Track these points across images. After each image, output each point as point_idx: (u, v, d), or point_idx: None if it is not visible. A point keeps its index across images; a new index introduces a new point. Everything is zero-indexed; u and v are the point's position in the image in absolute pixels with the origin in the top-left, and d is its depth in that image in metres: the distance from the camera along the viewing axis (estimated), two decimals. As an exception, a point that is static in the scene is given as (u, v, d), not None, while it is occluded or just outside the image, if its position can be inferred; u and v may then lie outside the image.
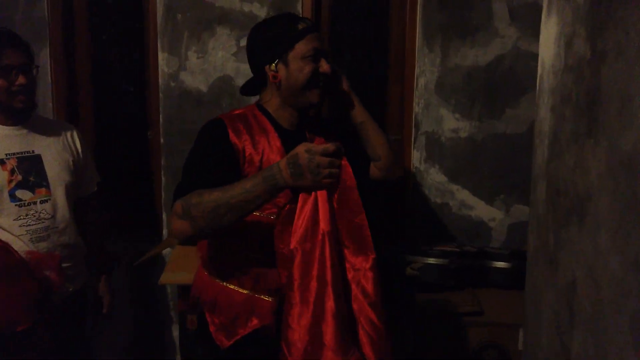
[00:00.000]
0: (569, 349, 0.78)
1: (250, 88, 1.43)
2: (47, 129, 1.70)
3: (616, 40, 0.66)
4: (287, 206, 1.19)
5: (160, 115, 2.50)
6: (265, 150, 1.28)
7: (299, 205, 1.15)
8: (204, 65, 2.46)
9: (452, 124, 2.41)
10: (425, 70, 2.39)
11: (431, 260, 2.13)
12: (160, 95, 2.49)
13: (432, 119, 2.42)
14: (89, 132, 2.63)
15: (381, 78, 2.55)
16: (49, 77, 2.48)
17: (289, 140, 1.30)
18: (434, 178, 2.46)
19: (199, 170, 1.22)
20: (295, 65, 1.27)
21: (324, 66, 1.28)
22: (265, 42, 1.29)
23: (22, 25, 2.42)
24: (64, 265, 1.65)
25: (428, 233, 2.49)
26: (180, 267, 2.15)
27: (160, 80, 2.48)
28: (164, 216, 2.56)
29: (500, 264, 2.15)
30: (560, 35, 0.84)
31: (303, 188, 1.14)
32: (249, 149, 1.26)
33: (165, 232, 2.57)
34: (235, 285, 1.32)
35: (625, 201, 0.65)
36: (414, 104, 2.42)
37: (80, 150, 1.77)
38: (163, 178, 2.53)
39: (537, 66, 2.38)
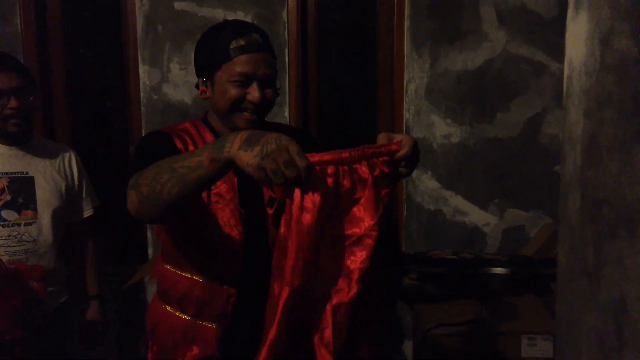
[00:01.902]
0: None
1: None
2: (44, 151, 1.71)
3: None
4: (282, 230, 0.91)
5: (143, 130, 2.41)
6: None
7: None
8: (188, 77, 2.38)
9: (443, 129, 2.38)
10: (415, 76, 2.35)
11: (429, 269, 2.08)
12: (142, 109, 2.40)
13: (423, 125, 2.39)
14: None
15: (370, 85, 2.50)
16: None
17: None
18: (426, 185, 2.42)
19: (149, 159, 1.06)
20: (220, 87, 1.15)
21: (254, 94, 1.14)
22: (200, 54, 1.20)
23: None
24: None
25: (422, 240, 2.44)
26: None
27: (141, 94, 2.39)
28: (149, 234, 2.45)
29: (499, 270, 2.11)
30: (593, 33, 0.80)
31: (238, 170, 0.88)
32: None
33: (151, 251, 2.46)
34: (177, 310, 1.21)
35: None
36: (404, 111, 2.38)
37: (75, 176, 1.77)
38: (148, 195, 2.43)
39: (527, 70, 2.39)
